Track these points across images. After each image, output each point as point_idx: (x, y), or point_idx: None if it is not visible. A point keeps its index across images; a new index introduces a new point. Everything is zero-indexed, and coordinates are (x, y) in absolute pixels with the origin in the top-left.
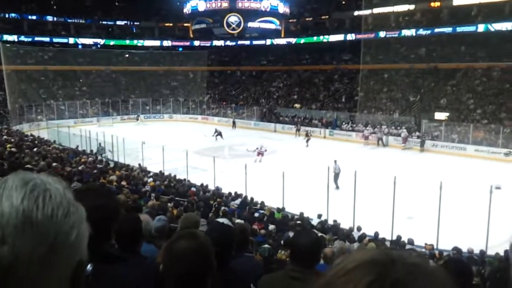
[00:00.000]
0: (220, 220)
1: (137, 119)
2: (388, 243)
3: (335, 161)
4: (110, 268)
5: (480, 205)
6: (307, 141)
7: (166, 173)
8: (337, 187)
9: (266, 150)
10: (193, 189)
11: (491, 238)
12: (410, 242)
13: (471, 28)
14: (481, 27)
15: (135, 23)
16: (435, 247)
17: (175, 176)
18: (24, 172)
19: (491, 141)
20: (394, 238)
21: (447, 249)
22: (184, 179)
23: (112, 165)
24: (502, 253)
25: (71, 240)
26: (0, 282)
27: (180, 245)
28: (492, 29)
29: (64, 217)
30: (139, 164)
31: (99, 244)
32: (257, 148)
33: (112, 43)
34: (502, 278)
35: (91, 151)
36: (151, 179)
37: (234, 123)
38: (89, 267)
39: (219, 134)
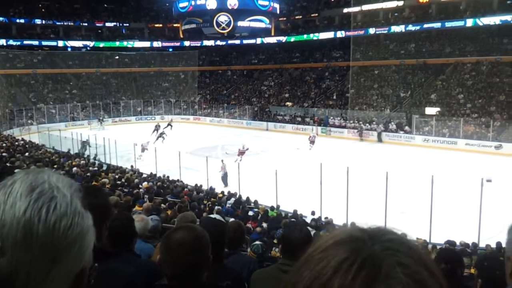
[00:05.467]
0: (213, 215)
1: (101, 123)
2: None
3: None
4: (102, 265)
5: (472, 198)
6: (310, 142)
7: (159, 174)
8: (226, 185)
9: (247, 149)
10: (187, 189)
11: (483, 231)
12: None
13: (459, 23)
14: (469, 22)
15: (125, 24)
16: (428, 240)
17: (168, 177)
18: (37, 172)
19: (482, 135)
20: None
21: (440, 243)
22: (177, 180)
23: (104, 167)
24: (494, 245)
25: (73, 252)
26: None
27: (178, 235)
28: (481, 24)
29: (67, 229)
30: (132, 166)
31: None
32: (239, 149)
33: (101, 45)
34: (489, 266)
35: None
36: (145, 182)
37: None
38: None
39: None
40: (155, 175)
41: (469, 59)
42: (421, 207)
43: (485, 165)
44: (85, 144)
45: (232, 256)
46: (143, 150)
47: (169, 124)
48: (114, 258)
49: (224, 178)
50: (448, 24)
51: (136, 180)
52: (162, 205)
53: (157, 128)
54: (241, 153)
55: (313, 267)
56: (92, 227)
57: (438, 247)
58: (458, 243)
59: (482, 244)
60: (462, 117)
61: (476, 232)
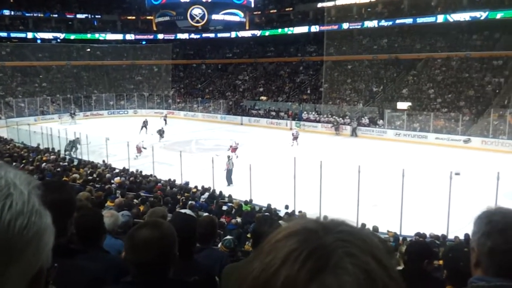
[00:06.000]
0: (183, 211)
1: (73, 117)
2: None
3: (229, 157)
4: (67, 261)
5: (441, 191)
6: (294, 139)
7: (132, 169)
8: (231, 183)
9: (238, 143)
10: (160, 184)
11: (452, 223)
12: (375, 229)
13: (431, 19)
14: (440, 18)
15: (96, 16)
16: (398, 233)
17: (141, 172)
18: None
19: (451, 129)
20: (359, 226)
21: (410, 235)
22: (151, 175)
23: (76, 163)
24: (462, 237)
25: (29, 252)
26: None
27: (143, 233)
28: (451, 20)
29: (23, 229)
30: (104, 161)
31: (54, 238)
32: (230, 146)
33: (72, 37)
34: (454, 257)
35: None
36: (118, 177)
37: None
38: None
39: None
40: (128, 170)
41: (440, 54)
42: (392, 200)
43: (454, 158)
44: (74, 143)
45: (204, 251)
46: (139, 151)
47: (164, 119)
48: (81, 255)
49: (228, 176)
50: (420, 20)
51: (108, 175)
52: (135, 200)
53: (145, 124)
54: (234, 149)
55: (263, 259)
56: (51, 226)
57: (409, 239)
58: (428, 235)
59: (451, 236)
60: (432, 112)
61: (445, 224)
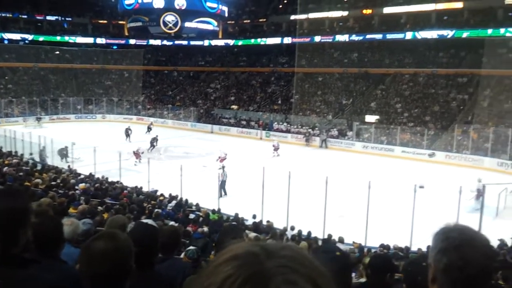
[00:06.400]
0: (145, 220)
1: (39, 120)
2: (320, 242)
3: (223, 167)
4: (21, 272)
5: (406, 203)
6: (275, 150)
7: (98, 175)
8: (225, 193)
9: (226, 154)
10: (126, 191)
11: (415, 235)
12: (341, 240)
13: (399, 36)
14: (409, 35)
15: (67, 18)
16: (363, 244)
17: (107, 178)
18: None
19: (417, 143)
20: (326, 237)
21: (375, 246)
22: (117, 182)
23: (39, 167)
24: (425, 249)
25: None
26: None
27: (98, 245)
28: (419, 37)
29: None
30: (69, 166)
31: (6, 248)
32: (219, 157)
33: (41, 39)
34: (413, 271)
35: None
36: (82, 184)
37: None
38: None
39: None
40: (94, 176)
41: (408, 70)
42: (358, 211)
43: (419, 172)
44: (63, 152)
45: (167, 261)
46: (138, 156)
47: (149, 128)
48: (35, 265)
49: (222, 187)
50: (389, 36)
51: (73, 181)
52: (99, 207)
53: (128, 132)
54: (222, 159)
55: (202, 282)
56: None
57: (373, 250)
58: (391, 247)
59: (414, 248)
60: (399, 126)
61: (409, 236)
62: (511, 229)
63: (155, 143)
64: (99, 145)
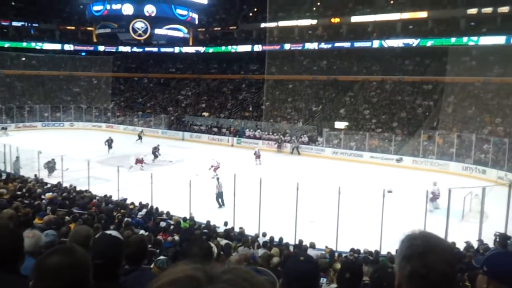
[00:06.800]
0: (109, 232)
1: (5, 129)
2: (291, 248)
3: (217, 178)
4: None
5: (375, 208)
6: (256, 157)
7: (66, 184)
8: (223, 204)
9: (219, 163)
10: (95, 200)
11: (385, 239)
12: (312, 245)
13: (367, 44)
14: (376, 43)
15: (34, 24)
16: (334, 249)
17: (75, 187)
18: None
19: (385, 148)
20: (297, 242)
21: (345, 251)
22: (85, 190)
23: (4, 176)
24: (394, 253)
25: None
26: None
27: (52, 260)
28: (386, 45)
29: None
30: (35, 175)
31: None
32: (212, 166)
33: (6, 45)
34: (379, 277)
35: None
36: (49, 193)
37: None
38: None
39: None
40: (61, 185)
41: (375, 77)
42: (329, 216)
43: (387, 176)
44: (50, 165)
45: (134, 272)
46: (141, 162)
47: (139, 136)
48: None
49: (220, 197)
50: (357, 44)
51: (39, 191)
52: (67, 217)
53: (109, 142)
54: (216, 168)
55: None
56: None
57: (344, 255)
58: (362, 251)
59: (384, 252)
60: (368, 132)
61: (379, 240)
62: (476, 231)
63: (157, 153)
64: (66, 153)
